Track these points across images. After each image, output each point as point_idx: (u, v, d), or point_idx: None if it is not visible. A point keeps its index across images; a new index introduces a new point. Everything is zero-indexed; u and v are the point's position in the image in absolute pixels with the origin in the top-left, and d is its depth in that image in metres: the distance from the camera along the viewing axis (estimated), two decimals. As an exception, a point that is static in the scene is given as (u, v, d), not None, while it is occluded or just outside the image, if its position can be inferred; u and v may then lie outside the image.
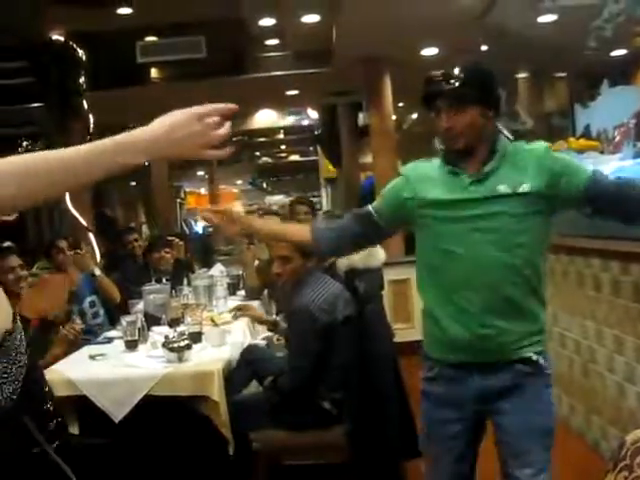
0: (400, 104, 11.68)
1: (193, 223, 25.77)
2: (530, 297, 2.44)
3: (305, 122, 17.04)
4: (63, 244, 5.43)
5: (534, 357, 2.43)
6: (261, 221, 3.36)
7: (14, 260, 4.31)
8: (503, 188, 2.40)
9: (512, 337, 2.41)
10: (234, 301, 5.44)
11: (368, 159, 10.66)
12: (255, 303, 5.21)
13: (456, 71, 2.47)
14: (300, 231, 2.84)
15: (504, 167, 2.44)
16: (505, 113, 6.76)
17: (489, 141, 2.47)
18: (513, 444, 2.47)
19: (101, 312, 5.28)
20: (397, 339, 4.21)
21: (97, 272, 5.27)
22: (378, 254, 4.05)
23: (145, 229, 20.96)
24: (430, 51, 8.67)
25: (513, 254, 2.40)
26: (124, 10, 8.45)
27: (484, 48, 7.37)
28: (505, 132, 2.54)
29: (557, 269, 4.69)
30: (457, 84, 2.43)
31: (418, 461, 2.83)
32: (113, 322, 5.09)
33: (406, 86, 8.49)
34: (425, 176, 2.57)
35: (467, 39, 7.34)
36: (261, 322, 4.27)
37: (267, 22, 8.83)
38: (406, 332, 6.54)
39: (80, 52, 9.34)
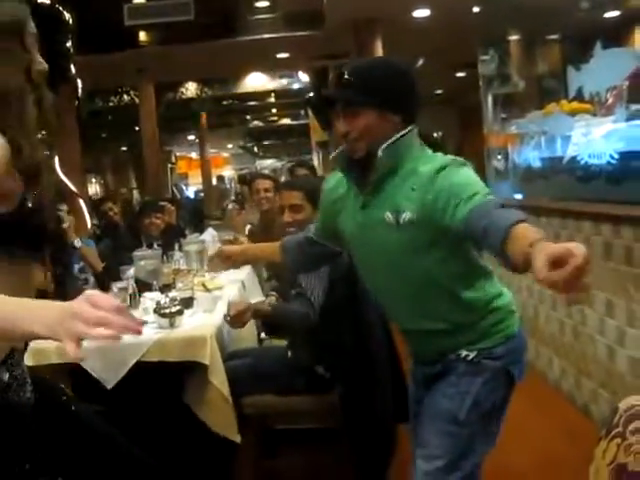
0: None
1: (184, 188, 25.73)
2: (456, 311, 2.25)
3: (296, 85, 16.96)
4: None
5: (469, 355, 2.26)
6: (246, 248, 3.31)
7: None
8: (386, 216, 2.19)
9: (444, 346, 2.30)
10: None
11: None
12: (246, 269, 5.20)
13: (343, 72, 2.25)
14: (274, 251, 2.88)
15: (388, 187, 2.22)
16: (496, 76, 6.72)
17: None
18: (416, 428, 2.40)
19: (91, 279, 5.27)
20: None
21: (77, 244, 5.23)
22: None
23: (136, 194, 20.94)
24: (422, 12, 8.62)
25: (414, 284, 2.24)
26: (111, -28, 8.37)
27: (476, 10, 7.30)
28: (415, 139, 2.27)
29: (549, 232, 4.70)
30: (343, 85, 2.24)
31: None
32: (103, 288, 5.08)
33: (398, 48, 8.44)
34: (337, 195, 2.45)
35: (459, 1, 7.28)
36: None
37: (257, -16, 8.76)
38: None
39: (67, 15, 9.23)
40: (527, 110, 5.71)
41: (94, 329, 1.29)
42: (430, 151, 2.27)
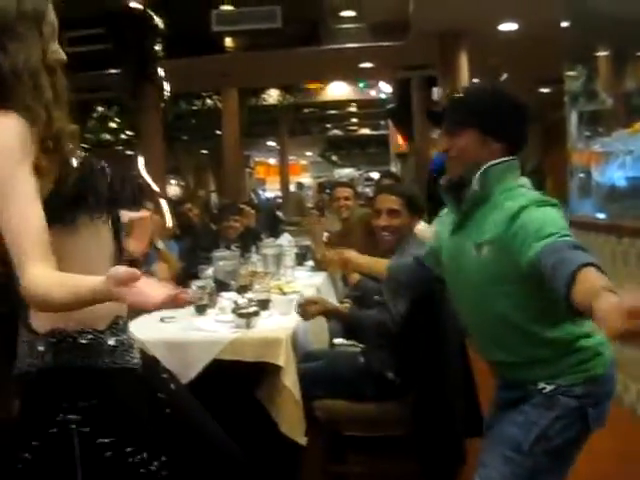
0: (475, 80, 11.55)
1: (261, 193, 26.00)
2: (533, 347, 2.20)
3: (377, 95, 16.98)
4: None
5: (545, 388, 2.20)
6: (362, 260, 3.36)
7: None
8: (470, 246, 2.20)
9: (521, 377, 2.27)
10: (301, 271, 5.48)
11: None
12: (321, 275, 5.25)
13: (456, 92, 2.36)
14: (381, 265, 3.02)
15: (477, 217, 2.22)
16: (582, 92, 6.63)
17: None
18: (483, 445, 2.37)
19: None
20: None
21: (160, 245, 5.34)
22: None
23: (214, 197, 21.23)
24: (509, 26, 8.55)
25: (489, 317, 2.23)
26: (202, -22, 8.53)
27: (564, 24, 7.21)
28: (512, 171, 2.25)
29: (632, 253, 4.60)
30: (452, 105, 2.32)
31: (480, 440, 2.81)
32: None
33: (483, 61, 8.40)
34: (444, 218, 2.48)
35: (547, 15, 7.20)
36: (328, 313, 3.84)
37: (344, -7, 8.81)
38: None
39: (156, 19, 9.45)
40: (613, 128, 5.62)
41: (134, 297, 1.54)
42: (524, 188, 2.24)
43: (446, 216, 2.46)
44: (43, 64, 1.81)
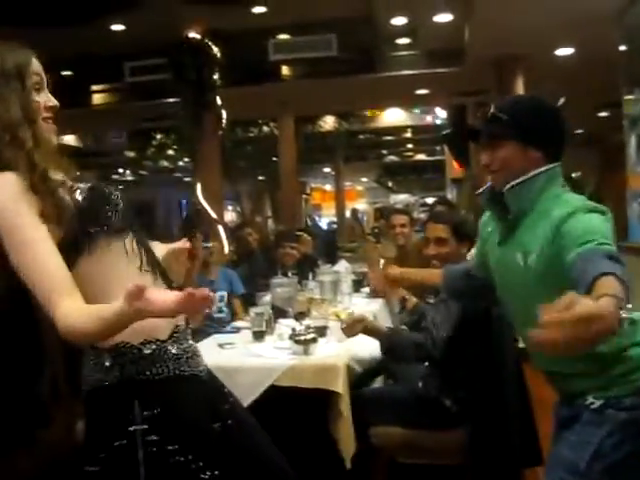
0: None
1: (317, 219, 26.09)
2: (579, 359, 2.11)
3: (433, 121, 16.96)
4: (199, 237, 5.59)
5: (594, 403, 2.17)
6: (408, 272, 3.37)
7: None
8: (517, 256, 2.19)
9: (572, 388, 2.24)
10: (358, 298, 5.51)
11: (496, 160, 10.52)
12: (378, 302, 5.26)
13: (495, 105, 2.30)
14: (434, 275, 3.00)
15: (522, 227, 2.23)
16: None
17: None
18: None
19: (225, 309, 5.44)
20: (521, 344, 4.15)
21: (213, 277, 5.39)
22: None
23: (270, 223, 21.37)
24: (565, 51, 8.50)
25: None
26: (258, 9, 8.65)
27: (622, 48, 7.16)
28: (554, 179, 2.25)
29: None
30: (494, 118, 2.28)
31: (538, 470, 2.79)
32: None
33: (539, 86, 8.36)
34: (487, 230, 2.49)
35: (604, 39, 7.16)
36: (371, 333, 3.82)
37: (399, 21, 8.87)
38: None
39: (215, 49, 9.63)
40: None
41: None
42: (569, 193, 2.23)
43: (489, 223, 2.47)
44: (25, 116, 1.88)
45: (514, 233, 2.25)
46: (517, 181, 2.22)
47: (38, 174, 1.84)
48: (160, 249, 2.35)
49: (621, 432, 2.13)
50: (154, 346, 1.85)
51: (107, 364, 1.83)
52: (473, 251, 2.97)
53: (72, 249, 1.82)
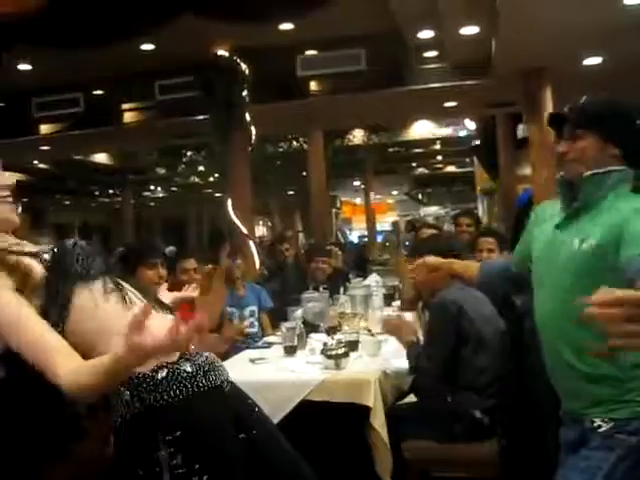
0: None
1: (347, 232, 26.10)
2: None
3: (462, 133, 16.92)
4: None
5: (602, 426, 2.16)
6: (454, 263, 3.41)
7: (192, 263, 4.56)
8: (574, 241, 2.23)
9: (583, 396, 2.24)
10: (389, 312, 5.51)
11: (526, 171, 10.46)
12: (409, 315, 5.26)
13: (584, 99, 2.38)
14: (472, 268, 3.11)
15: (583, 218, 2.28)
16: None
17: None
18: None
19: (256, 323, 5.46)
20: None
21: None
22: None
23: (301, 237, 21.43)
24: (593, 60, 8.45)
25: (570, 315, 2.18)
26: (285, 26, 8.70)
27: (651, 56, 7.13)
28: (627, 180, 2.28)
29: None
30: (577, 110, 2.36)
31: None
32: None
33: (568, 97, 8.32)
34: (544, 218, 2.52)
35: (632, 48, 7.12)
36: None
37: (426, 34, 8.86)
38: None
39: (243, 66, 9.70)
40: None
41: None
42: (638, 195, 2.27)
43: (550, 209, 2.51)
44: None
45: (575, 220, 2.30)
46: (594, 171, 2.28)
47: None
48: (167, 297, 2.44)
49: (632, 457, 2.12)
50: (166, 370, 1.87)
51: (127, 398, 1.86)
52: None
53: (55, 309, 1.87)
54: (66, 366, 1.72)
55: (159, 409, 1.85)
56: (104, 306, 1.95)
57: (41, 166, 17.61)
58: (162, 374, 1.86)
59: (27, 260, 1.91)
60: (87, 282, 1.95)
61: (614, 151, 2.29)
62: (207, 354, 2.00)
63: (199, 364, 1.93)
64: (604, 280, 2.05)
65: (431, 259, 3.31)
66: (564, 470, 2.28)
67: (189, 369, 1.90)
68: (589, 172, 2.28)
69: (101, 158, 17.71)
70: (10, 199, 1.94)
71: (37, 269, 1.91)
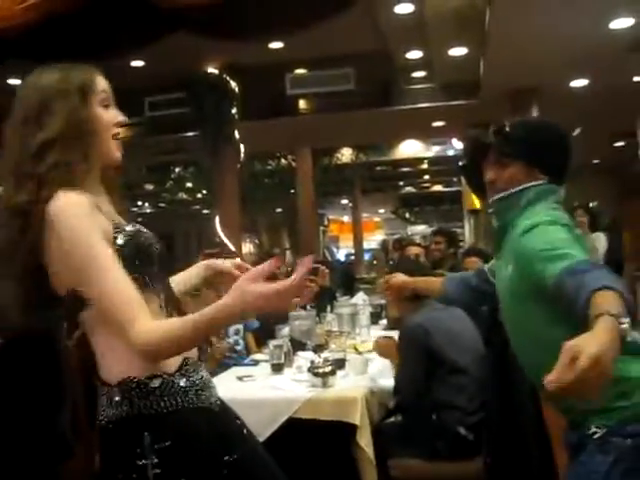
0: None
1: (335, 250, 26.09)
2: None
3: (450, 153, 17.01)
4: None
5: (597, 432, 2.16)
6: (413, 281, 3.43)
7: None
8: (505, 268, 2.26)
9: (570, 409, 2.26)
10: (376, 330, 5.52)
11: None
12: (396, 333, 5.27)
13: (505, 125, 2.36)
14: (436, 283, 3.08)
15: (508, 240, 2.28)
16: None
17: None
18: None
19: (241, 342, 5.45)
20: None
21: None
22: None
23: (289, 255, 21.42)
24: (580, 82, 8.54)
25: (522, 336, 2.30)
26: (276, 44, 8.75)
27: (636, 79, 7.21)
28: (544, 196, 2.29)
29: None
30: (500, 137, 2.34)
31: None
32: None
33: (554, 117, 8.39)
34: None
35: (618, 70, 7.21)
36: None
37: (415, 55, 8.94)
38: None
39: (233, 84, 9.74)
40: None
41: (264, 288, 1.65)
42: (556, 211, 2.25)
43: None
44: (86, 131, 1.90)
45: (503, 247, 2.31)
46: (502, 195, 2.29)
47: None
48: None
49: (628, 460, 2.12)
50: (161, 380, 1.85)
51: (117, 399, 1.85)
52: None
53: None
54: (145, 326, 1.71)
55: (147, 417, 1.84)
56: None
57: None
58: (156, 383, 1.85)
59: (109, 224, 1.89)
60: (144, 285, 1.92)
61: (541, 177, 2.29)
62: (204, 373, 1.99)
63: (193, 381, 1.92)
64: (538, 304, 2.12)
65: (396, 279, 3.29)
66: (568, 474, 2.29)
67: (183, 384, 1.89)
68: (501, 194, 2.29)
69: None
70: (119, 137, 1.97)
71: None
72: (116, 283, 1.74)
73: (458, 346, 3.62)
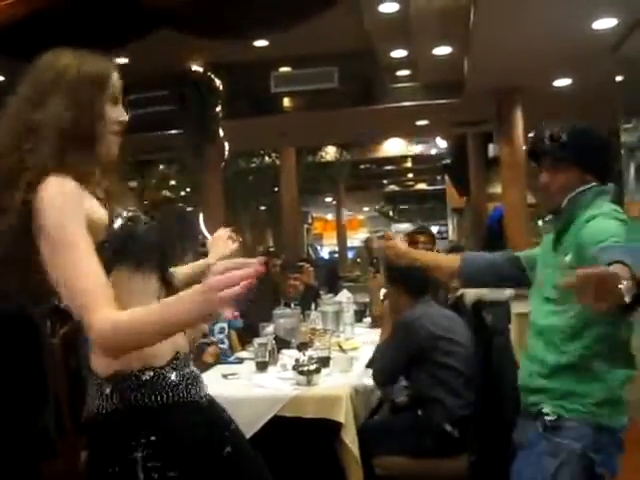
0: (531, 135, 11.56)
1: (319, 249, 26.10)
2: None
3: (433, 151, 17.07)
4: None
5: (549, 414, 2.36)
6: (419, 252, 3.47)
7: None
8: (561, 259, 2.39)
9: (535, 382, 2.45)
10: (360, 328, 5.53)
11: (497, 190, 10.58)
12: (379, 332, 5.28)
13: (559, 131, 2.49)
14: (451, 260, 3.13)
15: (566, 236, 2.43)
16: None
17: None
18: None
19: (226, 341, 5.44)
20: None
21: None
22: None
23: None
24: (563, 82, 8.58)
25: (550, 319, 2.42)
26: (260, 42, 8.74)
27: (619, 79, 7.24)
28: (601, 197, 2.45)
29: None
30: (557, 144, 2.47)
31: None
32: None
33: (538, 117, 8.43)
34: (545, 238, 2.65)
35: (601, 70, 7.24)
36: None
37: (399, 54, 8.95)
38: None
39: (217, 82, 9.71)
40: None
41: (229, 291, 1.52)
42: (612, 205, 2.43)
43: (547, 238, 2.63)
44: (95, 123, 1.90)
45: (562, 240, 2.44)
46: (570, 196, 2.43)
47: (104, 188, 1.91)
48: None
49: (573, 464, 2.28)
50: (152, 372, 1.85)
51: (107, 392, 1.85)
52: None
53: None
54: (105, 315, 1.66)
55: (138, 410, 1.84)
56: (140, 298, 1.89)
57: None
58: (148, 376, 1.85)
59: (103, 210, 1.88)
60: (135, 269, 1.90)
61: (591, 180, 2.44)
62: (193, 368, 2.00)
63: (184, 375, 1.92)
64: None
65: (403, 246, 3.28)
66: (517, 465, 2.43)
67: (174, 378, 1.89)
68: (572, 194, 2.42)
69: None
70: (118, 135, 1.97)
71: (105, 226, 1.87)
72: (81, 269, 1.71)
73: (450, 343, 3.69)
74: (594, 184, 2.43)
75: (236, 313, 1.57)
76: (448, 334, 3.71)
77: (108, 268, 1.79)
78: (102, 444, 1.88)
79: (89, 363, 1.90)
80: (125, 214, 1.92)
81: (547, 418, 2.33)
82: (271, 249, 22.00)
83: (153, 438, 1.82)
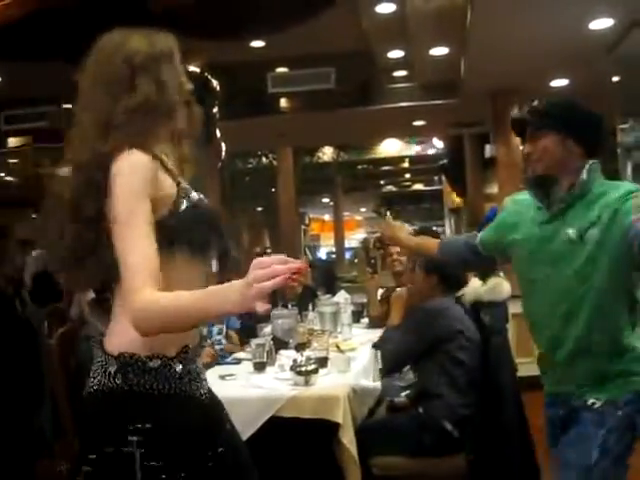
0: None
1: (316, 249, 26.10)
2: (599, 332, 2.42)
3: (430, 152, 17.06)
4: None
5: (595, 403, 2.39)
6: (407, 237, 3.51)
7: None
8: (571, 232, 2.40)
9: (578, 371, 2.44)
10: (358, 329, 5.53)
11: (493, 190, 10.58)
12: (378, 332, 5.28)
13: (540, 103, 2.55)
14: (430, 246, 3.24)
15: (578, 207, 2.44)
16: (636, 145, 6.64)
17: (571, 176, 2.46)
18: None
19: (223, 342, 5.44)
20: (520, 373, 4.20)
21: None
22: (503, 287, 4.08)
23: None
24: (560, 82, 8.58)
25: (574, 299, 2.42)
26: (257, 43, 8.74)
27: (615, 79, 7.26)
28: (595, 171, 2.48)
29: None
30: (536, 112, 2.52)
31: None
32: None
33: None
34: (519, 210, 2.67)
35: (598, 70, 7.26)
36: None
37: (396, 54, 8.95)
38: (529, 366, 6.43)
39: (214, 82, 9.71)
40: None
41: (269, 283, 1.56)
42: (614, 182, 2.48)
43: (525, 207, 2.64)
44: (180, 95, 1.98)
45: (566, 213, 2.45)
46: (588, 167, 2.44)
47: (182, 159, 2.00)
48: None
49: (621, 426, 2.33)
50: (159, 361, 1.86)
51: (112, 370, 1.85)
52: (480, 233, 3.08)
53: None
54: (149, 294, 1.70)
55: (138, 395, 1.84)
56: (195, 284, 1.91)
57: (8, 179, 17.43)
58: (155, 364, 1.86)
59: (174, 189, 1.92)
60: (193, 255, 1.92)
61: (575, 149, 2.45)
62: (199, 364, 2.00)
63: (189, 369, 1.93)
64: (608, 270, 2.33)
65: (390, 231, 3.39)
66: (562, 450, 2.45)
67: (179, 370, 1.89)
68: (556, 170, 2.45)
69: (66, 173, 17.52)
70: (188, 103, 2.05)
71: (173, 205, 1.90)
72: (136, 244, 1.75)
73: (466, 339, 3.74)
74: (593, 161, 2.45)
75: (268, 306, 1.57)
76: (467, 332, 3.77)
77: (163, 248, 1.82)
78: (99, 421, 1.87)
79: (101, 338, 1.92)
80: (192, 196, 1.96)
81: (594, 407, 2.37)
82: (268, 250, 22.02)
83: (148, 425, 1.82)
